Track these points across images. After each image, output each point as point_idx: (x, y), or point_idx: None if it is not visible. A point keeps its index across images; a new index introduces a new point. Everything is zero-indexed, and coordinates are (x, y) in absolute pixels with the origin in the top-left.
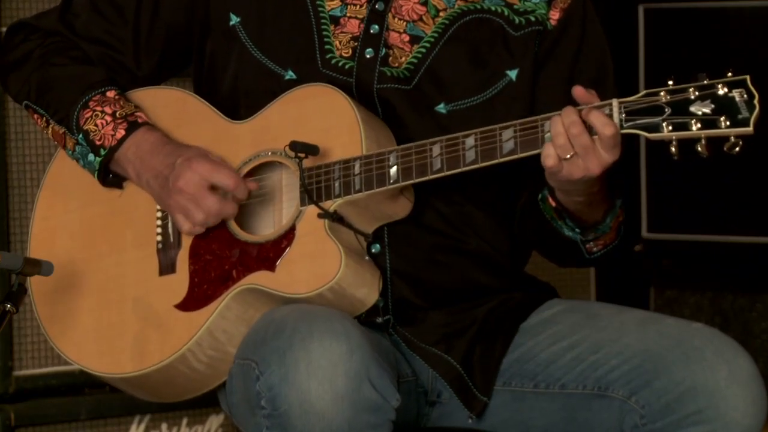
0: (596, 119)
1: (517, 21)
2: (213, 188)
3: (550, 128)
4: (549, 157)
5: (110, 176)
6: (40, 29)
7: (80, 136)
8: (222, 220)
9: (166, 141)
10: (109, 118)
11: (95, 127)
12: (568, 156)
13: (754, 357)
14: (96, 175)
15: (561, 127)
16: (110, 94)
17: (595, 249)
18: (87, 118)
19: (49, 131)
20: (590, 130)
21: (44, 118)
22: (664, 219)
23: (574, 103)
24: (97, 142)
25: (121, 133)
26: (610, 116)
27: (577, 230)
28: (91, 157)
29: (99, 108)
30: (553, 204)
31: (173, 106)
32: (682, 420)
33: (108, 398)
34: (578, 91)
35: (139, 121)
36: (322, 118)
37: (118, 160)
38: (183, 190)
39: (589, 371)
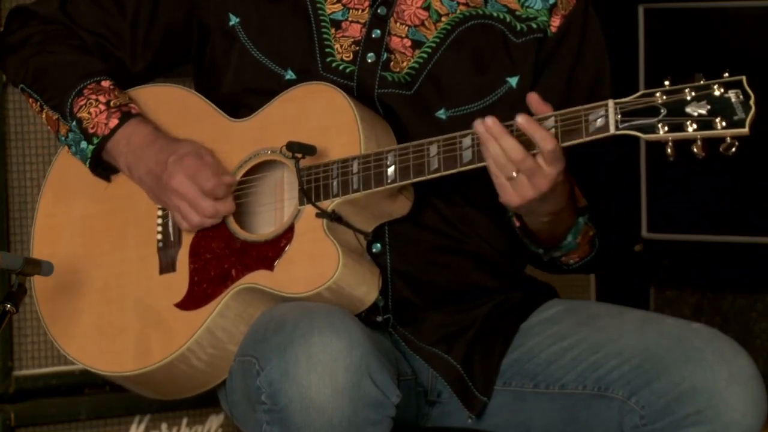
0: (536, 133)
1: (518, 28)
2: None
3: (484, 150)
4: (497, 177)
5: (101, 167)
6: (39, 16)
7: (73, 123)
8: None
9: (157, 135)
10: (102, 107)
11: (89, 115)
12: (514, 174)
13: (754, 357)
14: (87, 163)
15: (498, 149)
16: (105, 83)
17: (571, 261)
18: (81, 106)
19: (43, 116)
20: (530, 146)
21: (38, 103)
22: (664, 219)
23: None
24: (90, 130)
25: (114, 122)
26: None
27: (540, 250)
28: (83, 144)
29: (93, 96)
30: (517, 224)
31: (174, 104)
32: (682, 420)
33: (108, 398)
34: (532, 98)
35: (133, 111)
36: (322, 116)
37: (110, 151)
38: (177, 190)
39: (589, 371)
